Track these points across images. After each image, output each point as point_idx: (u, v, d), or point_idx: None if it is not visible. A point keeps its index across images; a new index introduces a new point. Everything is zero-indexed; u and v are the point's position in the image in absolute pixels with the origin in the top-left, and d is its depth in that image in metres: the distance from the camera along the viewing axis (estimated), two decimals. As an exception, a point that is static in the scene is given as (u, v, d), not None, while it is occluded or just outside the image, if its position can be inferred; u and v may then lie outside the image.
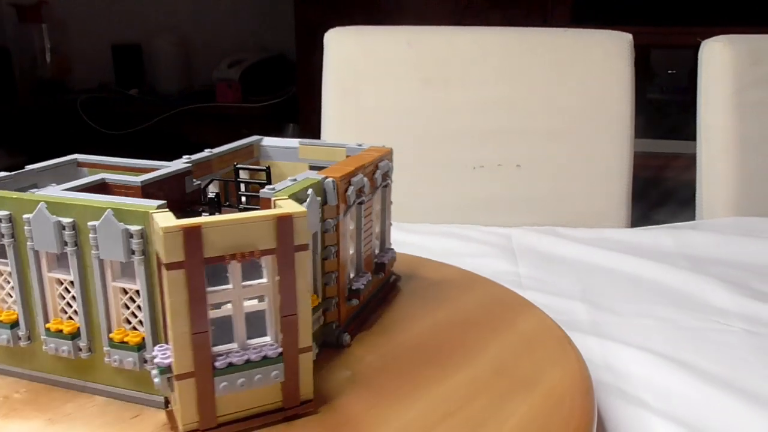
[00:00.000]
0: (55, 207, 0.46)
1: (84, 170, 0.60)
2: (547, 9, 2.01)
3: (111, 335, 0.48)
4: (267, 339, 0.47)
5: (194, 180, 0.59)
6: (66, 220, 0.46)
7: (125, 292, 0.47)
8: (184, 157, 0.60)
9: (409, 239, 1.03)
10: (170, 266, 0.41)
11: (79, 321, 0.49)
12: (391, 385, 0.53)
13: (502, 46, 1.23)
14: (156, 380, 0.44)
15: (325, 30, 1.28)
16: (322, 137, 1.27)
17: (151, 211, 0.44)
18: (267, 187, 0.51)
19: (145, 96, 2.68)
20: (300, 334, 0.47)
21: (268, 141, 0.71)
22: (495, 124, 1.22)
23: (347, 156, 0.67)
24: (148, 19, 2.78)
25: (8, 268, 0.49)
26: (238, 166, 0.64)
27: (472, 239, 1.05)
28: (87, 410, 0.49)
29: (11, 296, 0.50)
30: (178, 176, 0.56)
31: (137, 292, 0.47)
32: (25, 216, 0.47)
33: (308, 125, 2.18)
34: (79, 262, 0.47)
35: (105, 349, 0.48)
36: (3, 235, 0.48)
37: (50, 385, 0.51)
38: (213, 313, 0.44)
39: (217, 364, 0.44)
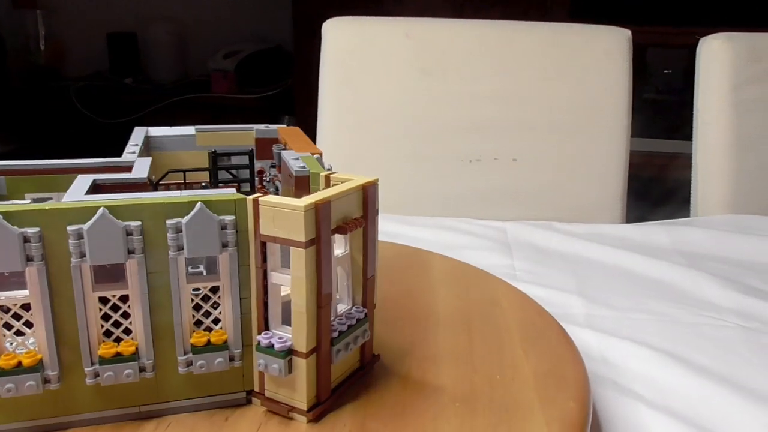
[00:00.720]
0: (117, 211, 0.41)
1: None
2: (546, 6, 2.01)
3: (192, 341, 0.45)
4: (344, 305, 0.49)
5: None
6: (134, 224, 0.41)
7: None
8: (126, 153, 0.57)
9: (404, 231, 1.03)
10: (308, 244, 0.42)
11: (137, 338, 0.44)
12: (410, 331, 0.59)
13: (501, 40, 1.23)
14: (274, 366, 0.44)
15: (323, 22, 1.27)
16: (318, 128, 1.27)
17: (250, 197, 0.43)
18: (297, 165, 0.51)
19: (140, 85, 2.66)
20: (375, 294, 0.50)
21: (156, 131, 0.66)
22: (492, 118, 1.22)
23: (257, 139, 0.67)
24: (143, 7, 2.75)
25: (27, 299, 0.41)
26: (218, 151, 0.63)
27: (468, 232, 1.05)
28: (170, 431, 0.45)
29: (22, 333, 0.43)
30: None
31: (212, 289, 0.45)
32: (73, 228, 0.40)
33: (304, 117, 2.18)
34: (146, 270, 0.42)
35: (182, 358, 0.44)
36: (32, 258, 0.40)
37: (93, 426, 0.45)
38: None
39: (333, 334, 0.46)
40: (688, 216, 1.24)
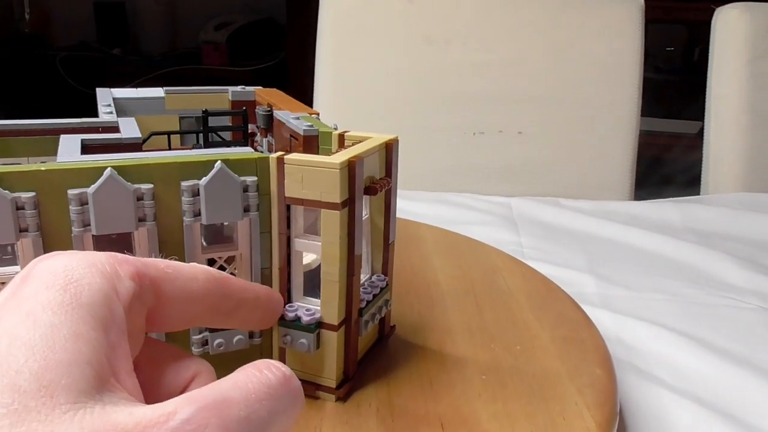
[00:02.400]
0: (126, 172, 0.35)
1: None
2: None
3: None
4: (364, 274, 0.46)
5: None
6: (145, 187, 0.36)
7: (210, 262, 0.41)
8: (102, 114, 0.52)
9: (403, 206, 0.99)
10: (342, 205, 0.39)
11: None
12: (417, 302, 0.57)
13: (508, 7, 1.19)
14: (302, 342, 0.41)
15: (315, -7, 1.23)
16: (314, 100, 1.23)
17: (273, 155, 0.39)
18: (304, 125, 0.46)
19: (128, 56, 2.62)
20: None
21: (122, 93, 0.60)
22: (497, 89, 1.18)
23: (233, 101, 0.62)
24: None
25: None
26: (210, 111, 0.59)
27: (471, 207, 1.02)
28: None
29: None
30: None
31: (227, 259, 0.41)
32: (74, 192, 0.35)
33: (298, 90, 2.13)
34: (157, 240, 0.37)
35: (196, 337, 0.41)
36: (26, 228, 0.34)
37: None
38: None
39: (361, 304, 0.43)
40: (695, 195, 1.21)
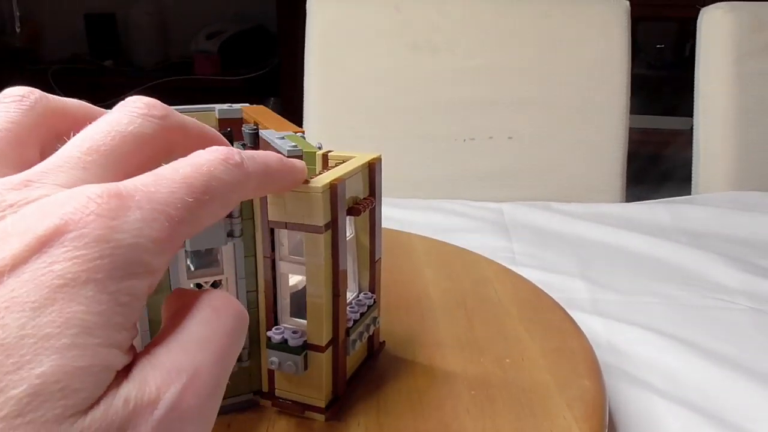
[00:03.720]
0: None
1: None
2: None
3: None
4: (351, 292, 0.47)
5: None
6: None
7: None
8: None
9: (394, 214, 0.99)
10: (325, 228, 0.39)
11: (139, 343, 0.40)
12: (406, 316, 0.57)
13: (495, 12, 1.20)
14: (289, 364, 0.41)
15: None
16: (304, 109, 1.23)
17: None
18: (289, 145, 0.47)
19: (120, 67, 2.61)
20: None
21: None
22: (486, 94, 1.18)
23: (220, 120, 0.62)
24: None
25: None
26: None
27: (462, 214, 1.02)
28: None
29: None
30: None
31: (213, 284, 0.42)
32: None
33: (290, 98, 2.13)
34: None
35: None
36: None
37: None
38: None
39: (348, 324, 0.43)
40: (688, 194, 1.21)
